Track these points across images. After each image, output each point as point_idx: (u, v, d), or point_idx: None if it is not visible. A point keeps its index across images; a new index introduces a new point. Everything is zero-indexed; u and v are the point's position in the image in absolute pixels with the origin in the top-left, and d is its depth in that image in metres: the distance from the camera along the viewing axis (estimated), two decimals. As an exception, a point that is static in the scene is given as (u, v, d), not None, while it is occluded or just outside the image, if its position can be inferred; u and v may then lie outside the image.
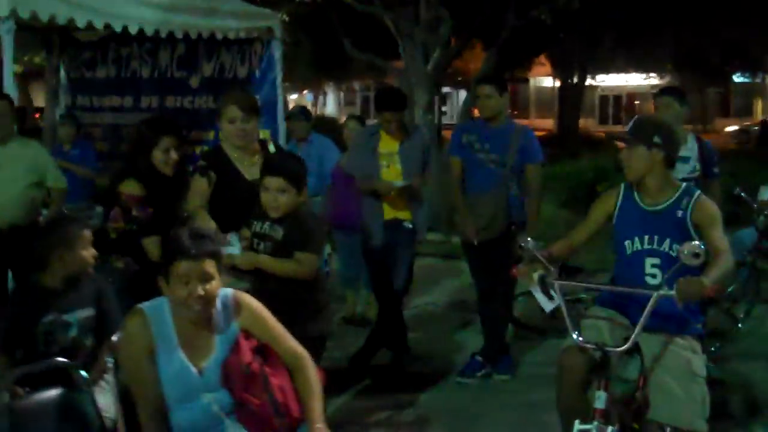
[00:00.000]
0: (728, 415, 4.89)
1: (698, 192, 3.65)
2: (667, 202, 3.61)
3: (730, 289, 6.12)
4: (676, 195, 3.62)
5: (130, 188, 4.31)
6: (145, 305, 2.92)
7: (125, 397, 2.91)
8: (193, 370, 2.89)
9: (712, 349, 5.71)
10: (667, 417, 3.50)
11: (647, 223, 3.63)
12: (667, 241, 3.57)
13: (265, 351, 2.98)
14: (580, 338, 3.45)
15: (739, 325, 6.22)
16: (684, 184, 3.71)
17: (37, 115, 19.33)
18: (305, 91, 36.91)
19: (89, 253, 3.57)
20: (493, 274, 5.21)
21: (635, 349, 3.54)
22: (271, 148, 4.37)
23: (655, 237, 3.60)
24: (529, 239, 3.63)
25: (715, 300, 5.72)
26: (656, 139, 3.57)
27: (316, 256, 3.80)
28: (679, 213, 3.58)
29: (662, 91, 5.36)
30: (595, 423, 3.27)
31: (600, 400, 3.33)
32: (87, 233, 3.59)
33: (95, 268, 4.05)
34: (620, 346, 3.43)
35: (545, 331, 6.13)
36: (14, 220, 4.80)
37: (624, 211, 3.70)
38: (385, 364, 5.62)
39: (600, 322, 3.66)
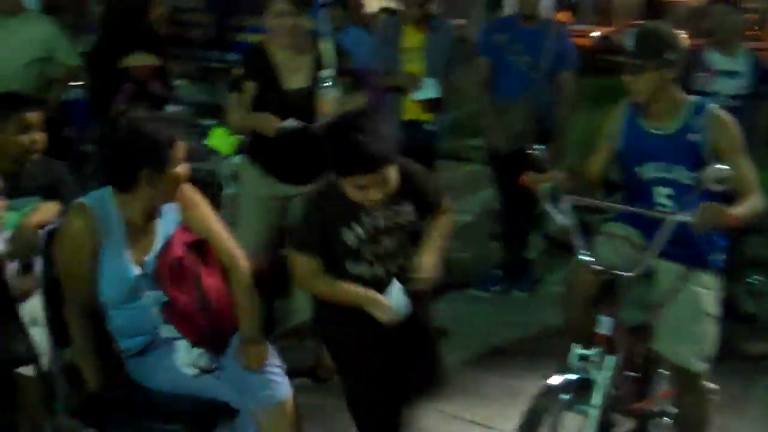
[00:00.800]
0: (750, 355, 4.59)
1: (712, 107, 3.18)
2: (676, 125, 3.18)
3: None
4: (685, 114, 3.17)
5: (140, 59, 4.03)
6: (88, 201, 2.72)
7: (50, 291, 2.75)
8: (137, 269, 2.72)
9: (749, 280, 5.36)
10: (666, 351, 3.24)
11: (655, 149, 3.21)
12: (680, 168, 3.17)
13: (203, 249, 2.80)
14: (589, 258, 3.16)
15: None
16: (692, 99, 3.23)
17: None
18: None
19: (29, 137, 3.32)
20: (519, 186, 4.91)
21: (650, 275, 3.25)
22: (327, 46, 3.89)
23: (666, 164, 3.20)
24: (540, 147, 3.30)
25: (761, 229, 5.34)
26: (668, 56, 3.09)
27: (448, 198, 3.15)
28: (692, 136, 3.14)
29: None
30: (596, 349, 3.00)
31: (604, 325, 3.04)
32: (30, 116, 3.36)
33: None
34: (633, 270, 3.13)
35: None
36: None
37: (628, 136, 3.29)
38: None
39: (616, 241, 3.34)
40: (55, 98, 5.06)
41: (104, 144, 2.72)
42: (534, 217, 5.46)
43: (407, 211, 2.91)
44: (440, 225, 3.04)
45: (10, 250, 3.00)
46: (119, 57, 4.06)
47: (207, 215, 2.87)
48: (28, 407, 2.97)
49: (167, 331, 2.76)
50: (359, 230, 2.84)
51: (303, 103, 3.74)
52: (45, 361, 2.89)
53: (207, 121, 5.36)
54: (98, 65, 4.17)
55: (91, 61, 4.39)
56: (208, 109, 6.34)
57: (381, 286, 2.84)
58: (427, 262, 2.89)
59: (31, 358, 2.88)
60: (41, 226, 2.99)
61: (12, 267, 3.05)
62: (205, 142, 5.08)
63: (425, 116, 5.04)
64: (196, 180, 5.57)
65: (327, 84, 3.78)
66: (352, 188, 2.72)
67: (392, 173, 2.74)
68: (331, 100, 3.78)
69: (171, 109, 5.77)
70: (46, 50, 5.03)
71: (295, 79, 3.81)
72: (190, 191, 2.85)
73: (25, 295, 3.09)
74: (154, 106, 4.14)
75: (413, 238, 2.97)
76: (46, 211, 3.18)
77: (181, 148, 2.70)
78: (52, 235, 2.81)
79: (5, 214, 3.09)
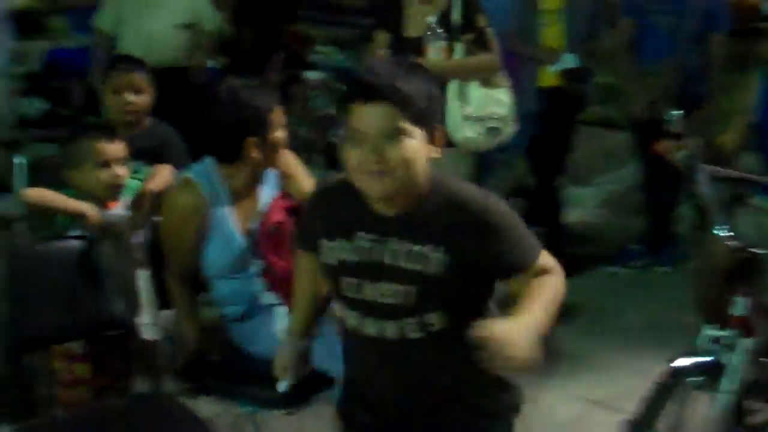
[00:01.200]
0: None
1: None
2: None
3: None
4: None
5: (290, 26, 4.05)
6: (195, 174, 2.73)
7: (154, 256, 2.79)
8: (244, 241, 2.73)
9: None
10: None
11: None
12: None
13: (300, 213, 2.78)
14: (727, 233, 2.96)
15: None
16: None
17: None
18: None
19: (124, 98, 3.34)
20: (658, 155, 4.66)
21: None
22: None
23: None
24: (674, 113, 3.11)
25: None
26: None
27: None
28: None
29: None
30: (729, 331, 2.82)
31: (740, 306, 2.85)
32: (130, 77, 3.37)
33: None
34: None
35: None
36: (162, 60, 4.70)
37: (766, 108, 3.09)
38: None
39: (760, 216, 3.18)
40: (199, 64, 5.18)
41: (207, 118, 2.69)
42: (680, 187, 5.18)
43: (434, 259, 1.85)
44: (543, 288, 1.94)
45: (131, 216, 2.99)
46: (259, 22, 4.10)
47: (306, 180, 2.86)
48: (138, 369, 3.03)
49: (268, 297, 2.76)
50: (345, 249, 1.90)
51: (415, 51, 3.70)
52: (151, 323, 2.88)
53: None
54: (239, 30, 4.23)
55: (232, 25, 4.42)
56: (347, 76, 6.37)
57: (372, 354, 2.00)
58: (515, 328, 1.74)
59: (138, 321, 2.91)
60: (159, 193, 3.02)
61: (138, 236, 3.01)
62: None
63: (564, 83, 4.84)
64: (333, 146, 5.62)
65: (433, 33, 3.71)
66: (348, 144, 1.82)
67: (412, 137, 1.79)
68: (434, 50, 3.71)
69: (311, 75, 5.82)
70: (193, 16, 5.10)
71: (414, 28, 3.78)
72: (288, 157, 2.85)
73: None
74: (300, 72, 4.18)
75: (439, 302, 1.90)
76: (164, 176, 3.16)
77: (280, 113, 2.69)
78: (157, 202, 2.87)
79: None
